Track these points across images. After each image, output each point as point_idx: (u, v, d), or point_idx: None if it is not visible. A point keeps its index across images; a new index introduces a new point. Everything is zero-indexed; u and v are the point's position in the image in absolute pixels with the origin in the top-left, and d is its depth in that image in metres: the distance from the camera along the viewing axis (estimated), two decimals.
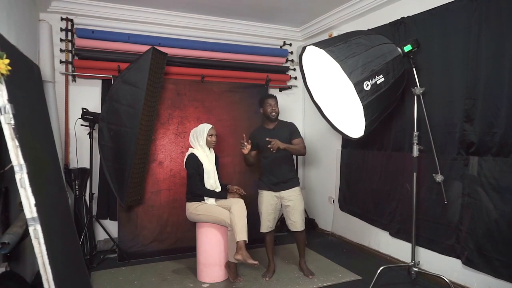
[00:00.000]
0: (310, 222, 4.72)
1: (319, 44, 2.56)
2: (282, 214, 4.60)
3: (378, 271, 2.88)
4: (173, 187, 3.95)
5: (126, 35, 3.86)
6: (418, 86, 2.78)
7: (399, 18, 3.26)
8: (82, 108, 3.48)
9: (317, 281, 3.11)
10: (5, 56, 1.62)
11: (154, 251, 3.79)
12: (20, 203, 1.70)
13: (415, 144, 2.84)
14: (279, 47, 4.78)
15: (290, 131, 3.26)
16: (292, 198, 3.22)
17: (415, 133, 2.83)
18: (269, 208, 3.23)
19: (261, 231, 3.25)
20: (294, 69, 4.79)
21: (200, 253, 3.19)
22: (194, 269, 3.29)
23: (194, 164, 3.14)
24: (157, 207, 3.89)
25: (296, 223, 3.22)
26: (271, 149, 3.01)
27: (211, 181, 3.21)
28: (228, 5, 3.90)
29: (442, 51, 2.91)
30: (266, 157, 3.25)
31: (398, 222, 3.38)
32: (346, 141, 4.10)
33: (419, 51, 2.87)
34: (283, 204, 3.26)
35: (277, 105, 3.28)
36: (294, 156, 4.47)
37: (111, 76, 3.74)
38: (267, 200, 3.24)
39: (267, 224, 3.24)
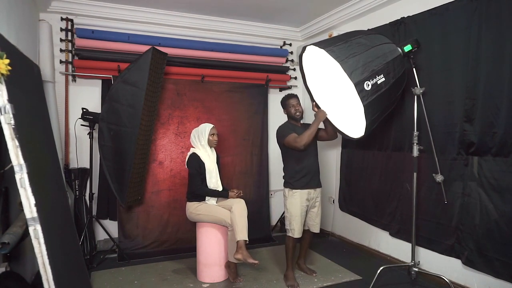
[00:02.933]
0: None
1: (319, 44, 2.56)
2: (283, 214, 4.64)
3: (378, 271, 2.88)
4: (173, 187, 3.95)
5: (126, 35, 3.86)
6: (418, 86, 2.78)
7: (399, 18, 3.26)
8: (82, 108, 3.48)
9: (317, 281, 3.11)
10: (5, 56, 1.61)
11: (154, 251, 3.79)
12: (20, 203, 1.70)
13: (415, 144, 2.84)
14: (279, 47, 4.78)
15: None
16: (319, 199, 3.18)
17: (415, 133, 2.83)
18: (303, 210, 3.06)
19: (295, 236, 3.04)
20: (294, 69, 4.79)
21: (200, 253, 3.19)
22: (194, 269, 3.29)
23: (196, 164, 3.14)
24: (157, 207, 3.89)
25: (318, 224, 3.19)
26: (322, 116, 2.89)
27: (213, 180, 3.21)
28: (228, 5, 3.90)
29: (442, 51, 2.91)
30: (305, 153, 3.05)
31: (398, 222, 3.38)
32: (346, 141, 4.10)
33: (419, 51, 2.87)
34: (312, 205, 3.12)
35: (300, 104, 3.17)
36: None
37: (111, 76, 3.74)
38: (301, 202, 3.04)
39: (301, 228, 3.07)
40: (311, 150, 3.14)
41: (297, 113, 3.12)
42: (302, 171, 3.07)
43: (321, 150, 4.66)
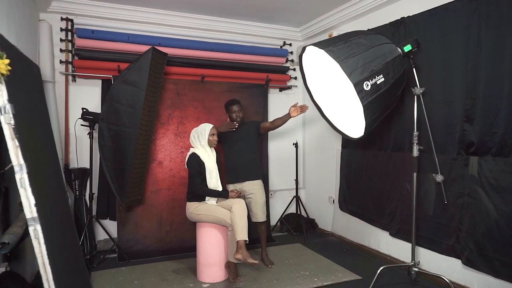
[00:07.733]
0: (310, 222, 4.72)
1: (319, 44, 2.55)
2: (283, 214, 4.64)
3: (378, 271, 2.88)
4: (173, 186, 3.96)
5: (126, 35, 3.86)
6: (418, 86, 2.78)
7: (399, 18, 3.26)
8: (82, 108, 3.48)
9: (317, 281, 3.11)
10: (5, 56, 1.61)
11: (154, 251, 3.79)
12: (20, 203, 1.70)
13: (415, 144, 2.83)
14: (279, 47, 4.78)
15: (255, 125, 3.58)
16: (253, 191, 3.43)
17: (415, 133, 2.83)
18: None
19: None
20: (294, 69, 4.79)
21: (200, 253, 3.19)
22: (194, 269, 3.29)
23: (196, 164, 3.14)
24: (157, 207, 3.89)
25: (257, 214, 3.44)
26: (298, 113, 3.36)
27: (213, 180, 3.21)
28: (228, 5, 3.90)
29: (442, 51, 2.91)
30: (232, 149, 3.48)
31: (398, 222, 3.38)
32: (346, 141, 4.10)
33: (419, 51, 2.87)
34: (246, 196, 3.43)
35: (241, 110, 3.50)
36: (294, 158, 4.54)
37: (111, 76, 3.74)
38: None
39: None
40: (239, 146, 3.47)
41: (238, 119, 3.48)
42: (229, 167, 3.50)
43: (321, 149, 4.68)
